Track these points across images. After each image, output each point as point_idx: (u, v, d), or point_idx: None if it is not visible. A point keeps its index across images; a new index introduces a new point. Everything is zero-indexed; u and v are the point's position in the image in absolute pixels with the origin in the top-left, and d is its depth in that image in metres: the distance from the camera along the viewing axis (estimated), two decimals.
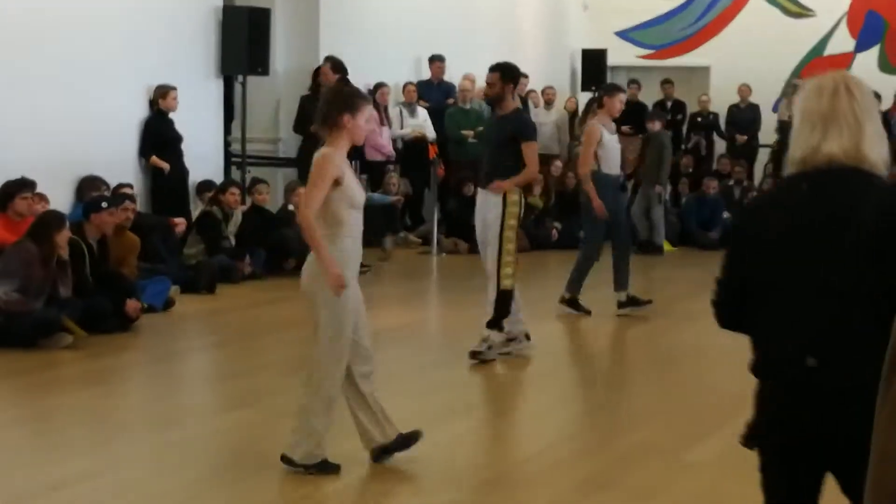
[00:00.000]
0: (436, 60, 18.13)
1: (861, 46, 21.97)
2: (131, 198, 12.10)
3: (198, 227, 13.24)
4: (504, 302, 9.28)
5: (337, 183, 6.24)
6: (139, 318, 10.46)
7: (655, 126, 17.28)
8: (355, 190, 6.40)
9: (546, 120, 19.51)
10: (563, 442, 7.48)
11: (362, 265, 6.88)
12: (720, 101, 21.27)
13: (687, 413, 8.01)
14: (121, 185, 12.65)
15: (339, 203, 6.26)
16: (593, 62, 21.61)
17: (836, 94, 3.53)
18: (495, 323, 9.30)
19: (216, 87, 14.77)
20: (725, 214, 17.66)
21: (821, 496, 3.55)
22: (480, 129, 16.18)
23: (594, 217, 11.43)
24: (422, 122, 17.36)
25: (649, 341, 10.90)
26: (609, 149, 11.51)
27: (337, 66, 14.36)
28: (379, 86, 16.71)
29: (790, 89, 16.04)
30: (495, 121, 9.75)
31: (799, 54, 22.01)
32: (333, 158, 6.28)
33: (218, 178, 14.32)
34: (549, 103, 19.95)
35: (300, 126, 15.49)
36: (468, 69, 18.12)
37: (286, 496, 6.14)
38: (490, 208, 9.32)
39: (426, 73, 18.32)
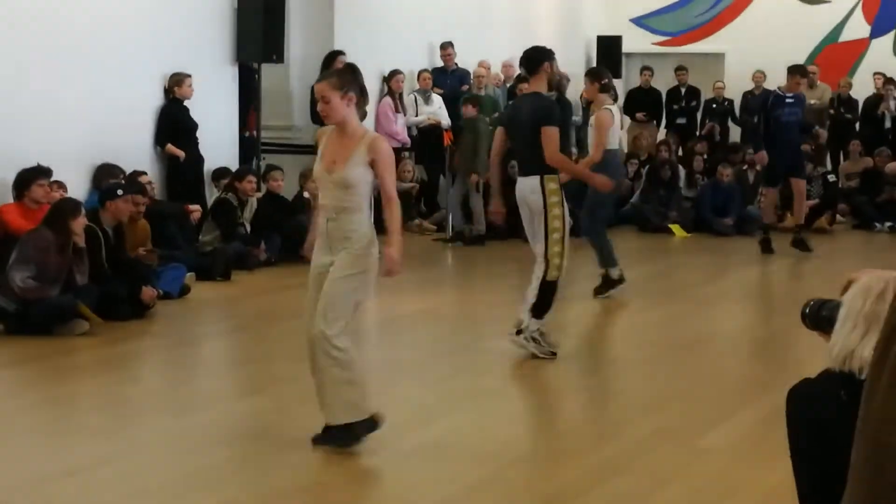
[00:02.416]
0: (445, 47, 18.13)
1: (876, 32, 21.93)
2: (144, 191, 12.09)
3: (213, 214, 13.27)
4: (546, 293, 8.81)
5: None
6: (154, 304, 10.49)
7: (469, 111, 16.29)
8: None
9: None
10: (578, 427, 7.50)
11: None
12: (735, 87, 21.27)
13: (701, 399, 8.01)
14: (136, 173, 12.67)
15: None
16: (608, 49, 21.60)
17: (880, 297, 3.42)
18: (537, 311, 8.83)
19: (231, 75, 14.79)
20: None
21: None
22: (496, 115, 16.23)
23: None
24: (436, 110, 17.37)
25: (663, 327, 10.89)
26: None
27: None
28: (394, 73, 16.72)
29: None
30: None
31: (814, 40, 21.99)
32: None
33: (233, 166, 14.35)
34: None
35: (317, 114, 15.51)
36: (483, 56, 18.13)
37: (302, 481, 6.16)
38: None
39: (440, 61, 18.33)
